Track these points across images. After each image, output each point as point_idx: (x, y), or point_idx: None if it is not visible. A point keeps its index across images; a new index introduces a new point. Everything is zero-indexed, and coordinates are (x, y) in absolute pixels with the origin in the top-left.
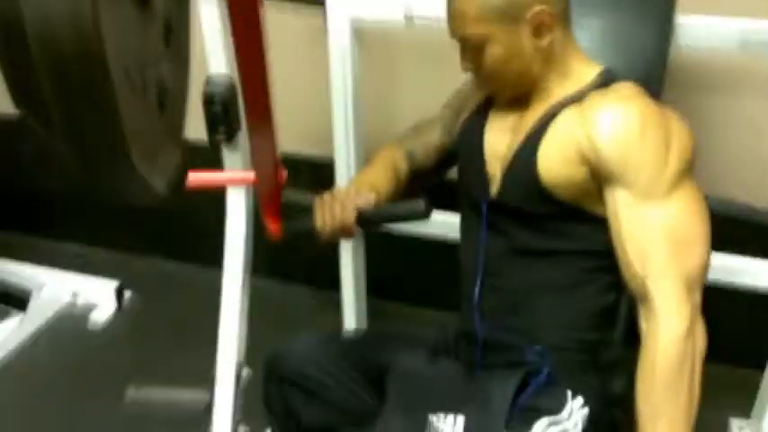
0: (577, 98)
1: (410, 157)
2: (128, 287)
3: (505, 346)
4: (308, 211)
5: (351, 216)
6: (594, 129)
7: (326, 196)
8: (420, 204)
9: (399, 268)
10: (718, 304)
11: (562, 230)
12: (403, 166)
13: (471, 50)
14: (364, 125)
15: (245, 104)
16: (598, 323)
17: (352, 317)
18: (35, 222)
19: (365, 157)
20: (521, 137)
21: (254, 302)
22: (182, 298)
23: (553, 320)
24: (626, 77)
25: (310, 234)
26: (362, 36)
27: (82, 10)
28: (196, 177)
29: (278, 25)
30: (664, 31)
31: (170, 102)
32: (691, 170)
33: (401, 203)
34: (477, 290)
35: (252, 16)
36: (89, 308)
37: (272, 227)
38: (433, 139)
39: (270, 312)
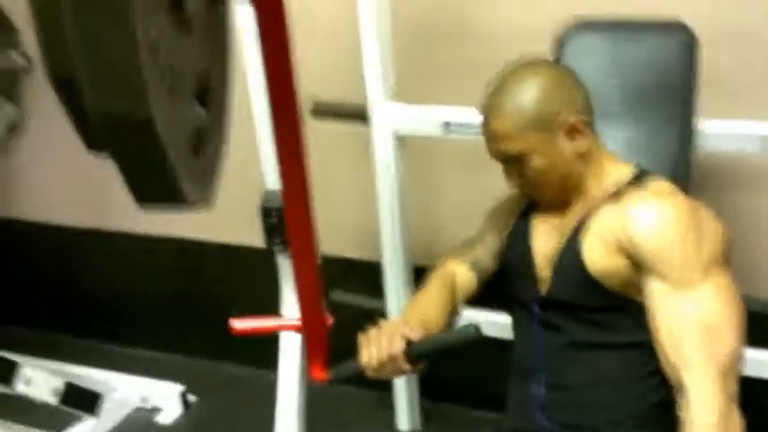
0: (616, 196)
1: (476, 266)
2: (192, 391)
3: None
4: (354, 353)
5: (399, 348)
6: (630, 222)
7: (372, 331)
8: (470, 330)
9: (450, 369)
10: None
11: (613, 322)
12: (467, 279)
13: (515, 166)
14: (409, 229)
15: (289, 234)
16: (659, 416)
17: (405, 418)
18: (106, 329)
19: (411, 259)
20: (565, 235)
21: (308, 404)
22: (245, 401)
23: (615, 414)
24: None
25: (358, 374)
26: (405, 144)
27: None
28: (241, 325)
29: (326, 133)
30: (685, 137)
31: (205, 154)
32: (723, 261)
33: (451, 332)
34: (541, 388)
35: (295, 135)
36: (156, 411)
37: (318, 373)
38: (491, 246)
39: (324, 414)
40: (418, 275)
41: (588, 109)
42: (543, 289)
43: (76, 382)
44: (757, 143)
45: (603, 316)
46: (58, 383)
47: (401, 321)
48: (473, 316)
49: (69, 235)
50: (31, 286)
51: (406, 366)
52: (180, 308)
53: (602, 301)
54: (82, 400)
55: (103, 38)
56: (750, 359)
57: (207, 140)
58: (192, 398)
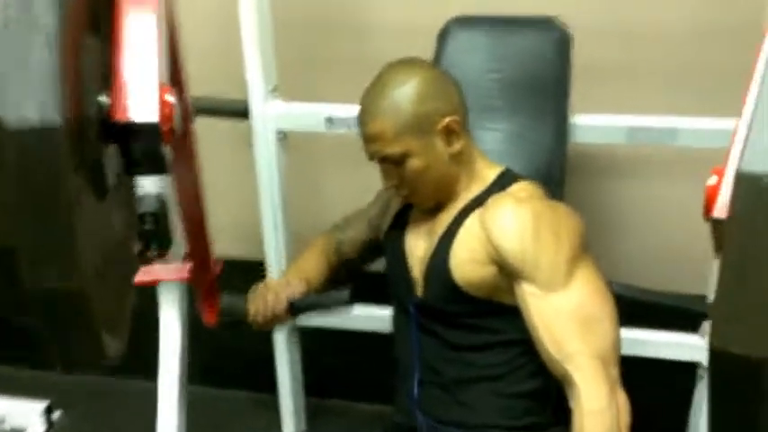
0: (480, 200)
1: (339, 248)
2: (57, 406)
3: None
4: (242, 301)
5: (282, 305)
6: (493, 231)
7: (260, 286)
8: (344, 294)
9: (333, 364)
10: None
11: (483, 325)
12: (333, 257)
13: (392, 167)
14: (292, 225)
15: (177, 193)
16: (531, 407)
17: (290, 417)
18: None
19: (294, 256)
20: (435, 241)
21: (191, 410)
22: (113, 412)
23: (489, 409)
24: (528, 174)
25: (243, 321)
26: (287, 141)
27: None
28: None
29: (205, 130)
30: (560, 130)
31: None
32: (584, 253)
33: (327, 294)
34: (415, 387)
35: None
36: (20, 429)
37: (208, 315)
38: (359, 234)
39: (207, 419)
40: None
41: (463, 109)
42: (418, 292)
43: None
44: (624, 134)
45: (473, 320)
46: None
47: (286, 280)
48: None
49: None
50: None
51: (286, 320)
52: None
53: (471, 307)
54: None
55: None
56: (626, 339)
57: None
58: (56, 414)
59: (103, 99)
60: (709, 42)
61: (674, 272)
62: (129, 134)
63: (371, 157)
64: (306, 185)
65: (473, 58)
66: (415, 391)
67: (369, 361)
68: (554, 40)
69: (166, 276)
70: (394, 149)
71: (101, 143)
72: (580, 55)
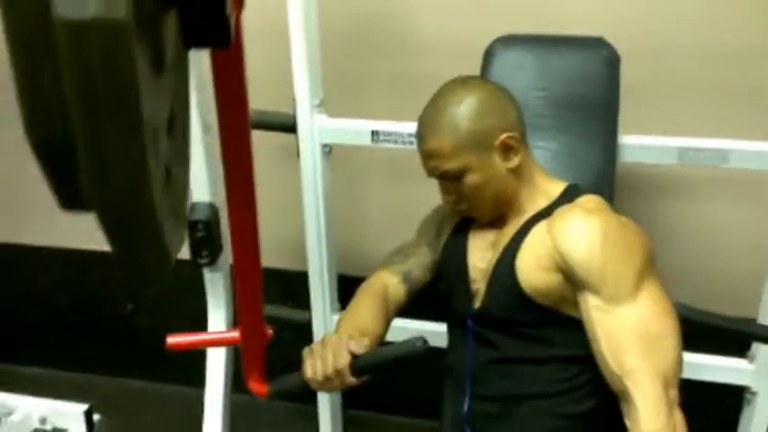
0: (547, 212)
1: (407, 279)
2: (97, 410)
3: None
4: (296, 367)
5: (345, 361)
6: (561, 239)
7: (316, 345)
8: (418, 344)
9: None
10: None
11: (545, 337)
12: (399, 291)
13: (451, 183)
14: (335, 237)
15: (233, 247)
16: (584, 428)
17: (327, 428)
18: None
19: (337, 269)
20: (500, 251)
21: (231, 418)
22: (154, 418)
23: (540, 428)
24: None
25: (303, 389)
26: (332, 154)
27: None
28: (176, 340)
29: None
30: (608, 149)
31: (174, 188)
32: (652, 270)
33: (398, 345)
34: (466, 401)
35: (244, 142)
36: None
37: (258, 388)
38: (424, 258)
39: (247, 428)
40: (343, 286)
41: (520, 125)
42: (477, 303)
43: None
44: (675, 155)
45: (536, 331)
46: None
47: (345, 335)
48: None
49: None
50: None
51: (352, 380)
52: (80, 322)
53: (534, 316)
54: None
55: (109, 134)
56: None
57: (175, 173)
58: (96, 417)
59: None
60: (758, 63)
61: (722, 293)
62: None
63: (430, 173)
64: (349, 199)
65: (519, 77)
66: (466, 406)
67: (406, 375)
68: (602, 59)
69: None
70: (452, 165)
71: (160, 7)
72: (628, 75)
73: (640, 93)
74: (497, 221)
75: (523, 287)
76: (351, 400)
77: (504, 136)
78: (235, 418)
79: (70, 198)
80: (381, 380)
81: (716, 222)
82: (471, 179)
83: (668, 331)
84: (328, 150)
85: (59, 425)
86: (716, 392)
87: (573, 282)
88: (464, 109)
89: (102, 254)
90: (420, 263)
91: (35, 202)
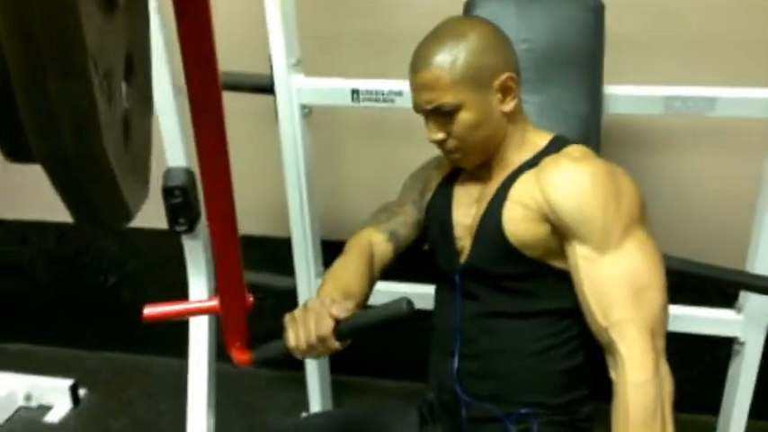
0: (534, 163)
1: (393, 237)
2: (82, 385)
3: (488, 416)
4: (277, 335)
5: (328, 328)
6: (548, 187)
7: (298, 312)
8: (403, 305)
9: (359, 341)
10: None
11: (532, 290)
12: (385, 250)
13: (441, 120)
14: (317, 202)
15: (207, 211)
16: (573, 383)
17: (316, 395)
18: None
19: (319, 234)
20: (485, 204)
21: (218, 388)
22: (137, 389)
23: (528, 384)
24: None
25: (285, 357)
26: (312, 116)
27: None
28: (153, 311)
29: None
30: (594, 101)
31: (134, 139)
32: (641, 219)
33: (382, 307)
34: (455, 359)
35: (214, 105)
36: (43, 409)
37: (240, 357)
38: (409, 217)
39: (234, 397)
40: (326, 251)
41: (518, 71)
42: (463, 259)
43: None
44: (661, 105)
45: (522, 284)
46: None
47: (328, 300)
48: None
49: None
50: None
51: (336, 345)
52: (63, 297)
53: (521, 268)
54: None
55: (50, 69)
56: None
57: (135, 124)
58: (82, 392)
59: None
60: (745, 10)
61: (709, 245)
62: None
63: (420, 107)
64: (331, 163)
65: (501, 28)
66: (455, 364)
67: (394, 338)
68: (586, 7)
69: (195, 310)
70: (448, 99)
71: None
72: (612, 24)
73: (625, 42)
74: (482, 175)
75: (510, 239)
76: (338, 365)
77: (504, 76)
78: (219, 385)
79: (16, 147)
80: (368, 344)
81: (701, 173)
82: (465, 117)
83: (655, 282)
84: (307, 112)
85: (45, 401)
86: (703, 344)
87: (561, 232)
88: (467, 43)
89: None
90: (405, 221)
91: (10, 174)
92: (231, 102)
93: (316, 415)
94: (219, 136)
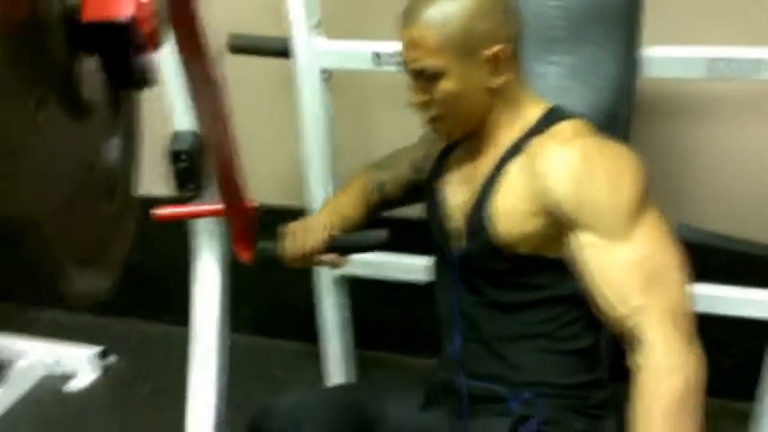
0: (521, 145)
1: (380, 188)
2: (110, 353)
3: (490, 396)
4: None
5: (318, 243)
6: (541, 177)
7: (295, 225)
8: (381, 234)
9: (383, 317)
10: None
11: (528, 282)
12: (373, 195)
13: (422, 83)
14: (336, 171)
15: (199, 122)
16: (579, 366)
17: (337, 369)
18: (9, 290)
19: None
20: (475, 190)
21: (240, 360)
22: (163, 357)
23: (533, 367)
24: (591, 113)
25: (279, 260)
26: (333, 82)
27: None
28: (163, 211)
29: (248, 73)
30: (629, 64)
31: (120, 183)
32: (647, 198)
33: (366, 233)
34: (456, 342)
35: (203, 65)
36: (70, 376)
37: (243, 254)
38: (402, 175)
39: (258, 371)
40: None
41: (517, 40)
42: (459, 244)
43: None
44: (703, 68)
45: (520, 279)
46: None
47: (322, 219)
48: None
49: None
50: None
51: (321, 259)
52: None
53: (514, 264)
54: None
55: None
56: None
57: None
58: (109, 360)
59: None
60: None
61: (750, 220)
62: (101, 38)
63: (406, 65)
64: (353, 130)
65: None
66: (457, 346)
67: (420, 313)
68: None
69: (201, 213)
70: (432, 62)
71: (70, 51)
72: None
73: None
74: (473, 150)
75: (502, 238)
76: (363, 341)
77: (496, 47)
78: (247, 359)
79: None
80: (396, 320)
81: (745, 144)
82: (446, 85)
83: (672, 263)
84: (327, 76)
85: (70, 368)
86: (740, 327)
87: (560, 222)
88: (460, 5)
89: None
90: (396, 179)
91: None
92: (250, 67)
93: (316, 390)
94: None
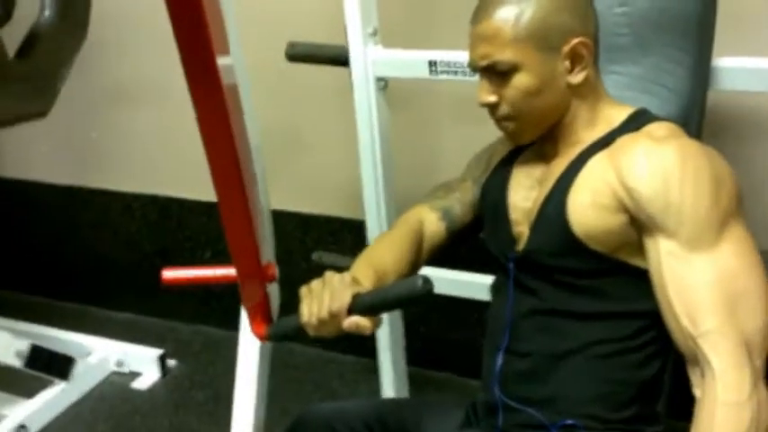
0: (606, 141)
1: (447, 216)
2: (172, 355)
3: (529, 420)
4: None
5: (343, 304)
6: (627, 171)
7: (315, 284)
8: (419, 283)
9: (438, 334)
10: None
11: (599, 288)
12: (437, 229)
13: (495, 80)
14: (396, 183)
15: (212, 177)
16: (638, 397)
17: (390, 385)
18: (82, 291)
19: (397, 216)
20: (548, 188)
21: (302, 371)
22: (227, 365)
23: (582, 392)
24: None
25: (300, 332)
26: (392, 91)
27: None
28: (172, 274)
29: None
30: (700, 76)
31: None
32: (739, 212)
33: (398, 284)
34: (500, 355)
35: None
36: (133, 376)
37: (257, 330)
38: (468, 195)
39: (316, 383)
40: None
41: (596, 39)
42: (520, 247)
43: (48, 345)
44: None
45: (586, 281)
46: (23, 346)
47: (346, 275)
48: (464, 276)
49: (46, 192)
50: (4, 245)
51: (346, 325)
52: (159, 268)
53: (585, 264)
54: (52, 363)
55: None
56: None
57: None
58: (171, 362)
59: None
60: None
61: None
62: None
63: (474, 63)
64: (415, 148)
65: None
66: (499, 362)
67: (476, 333)
68: None
69: (211, 278)
70: (507, 56)
71: None
72: None
73: (742, 8)
74: (547, 153)
75: (575, 230)
76: (422, 359)
77: (576, 41)
78: (305, 370)
79: None
80: (450, 339)
81: None
82: (522, 80)
83: (756, 288)
84: (383, 85)
85: (135, 368)
86: None
87: (642, 223)
88: None
89: (182, 201)
90: (462, 199)
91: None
92: (309, 76)
93: (356, 401)
94: (218, 104)
